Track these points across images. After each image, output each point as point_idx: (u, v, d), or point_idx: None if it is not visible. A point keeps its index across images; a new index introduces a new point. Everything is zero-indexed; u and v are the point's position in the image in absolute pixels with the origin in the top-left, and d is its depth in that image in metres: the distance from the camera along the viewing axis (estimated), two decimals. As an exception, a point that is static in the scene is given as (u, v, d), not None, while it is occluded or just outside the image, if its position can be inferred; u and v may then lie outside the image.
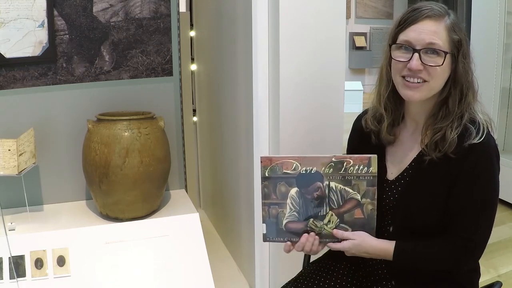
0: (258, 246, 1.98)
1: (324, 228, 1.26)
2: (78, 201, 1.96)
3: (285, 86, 1.74)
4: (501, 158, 1.22)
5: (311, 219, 1.26)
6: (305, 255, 1.55)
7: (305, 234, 1.26)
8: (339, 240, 1.25)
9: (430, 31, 1.14)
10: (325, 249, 1.31)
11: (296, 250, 1.28)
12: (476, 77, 1.21)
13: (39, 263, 1.56)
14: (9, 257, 1.54)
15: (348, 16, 7.22)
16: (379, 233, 1.27)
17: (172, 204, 1.95)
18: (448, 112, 1.20)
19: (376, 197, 1.24)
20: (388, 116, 1.29)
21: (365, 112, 1.38)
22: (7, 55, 1.75)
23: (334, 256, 1.40)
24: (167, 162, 1.83)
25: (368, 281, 1.36)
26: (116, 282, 1.58)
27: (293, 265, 1.60)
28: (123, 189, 1.70)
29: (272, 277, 1.98)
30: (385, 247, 1.22)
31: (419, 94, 1.18)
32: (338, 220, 1.26)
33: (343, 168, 1.24)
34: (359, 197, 1.24)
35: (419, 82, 1.17)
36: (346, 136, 1.51)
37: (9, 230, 1.65)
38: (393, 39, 1.21)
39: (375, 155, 1.24)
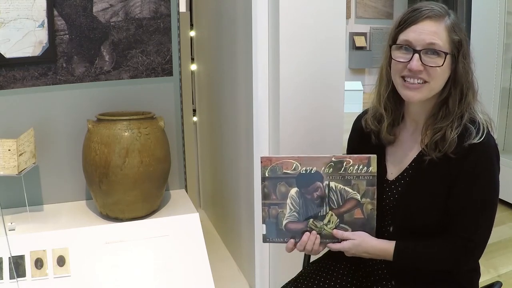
0: (258, 246, 1.98)
1: (324, 229, 1.26)
2: (78, 201, 1.96)
3: (285, 86, 1.74)
4: (501, 158, 1.22)
5: (311, 219, 1.26)
6: (305, 255, 1.55)
7: (307, 233, 1.26)
8: (339, 240, 1.25)
9: (430, 32, 1.14)
10: (325, 249, 1.31)
11: (297, 250, 1.28)
12: (476, 77, 1.21)
13: (39, 263, 1.56)
14: (9, 257, 1.54)
15: (348, 16, 7.22)
16: (379, 233, 1.27)
17: (172, 204, 1.95)
18: (448, 112, 1.20)
19: (375, 197, 1.24)
20: (388, 116, 1.29)
21: (365, 112, 1.38)
22: (7, 55, 1.75)
23: (334, 256, 1.40)
24: (167, 162, 1.83)
25: (368, 281, 1.36)
26: (116, 282, 1.58)
27: (293, 265, 1.60)
28: (123, 189, 1.70)
29: (272, 277, 1.98)
30: (385, 247, 1.22)
31: (419, 95, 1.18)
32: (338, 220, 1.26)
33: (342, 168, 1.24)
34: (359, 197, 1.24)
35: (419, 83, 1.17)
36: (346, 136, 1.51)
37: (9, 230, 1.65)
38: (393, 40, 1.21)
39: (375, 155, 1.24)
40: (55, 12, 1.78)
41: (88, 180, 1.77)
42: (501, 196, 1.39)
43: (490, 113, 1.25)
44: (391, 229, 1.28)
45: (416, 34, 1.15)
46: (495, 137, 1.21)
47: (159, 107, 1.93)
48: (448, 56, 1.15)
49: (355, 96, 6.69)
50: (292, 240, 1.27)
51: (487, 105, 1.41)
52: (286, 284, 1.40)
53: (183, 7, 2.82)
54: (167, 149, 1.83)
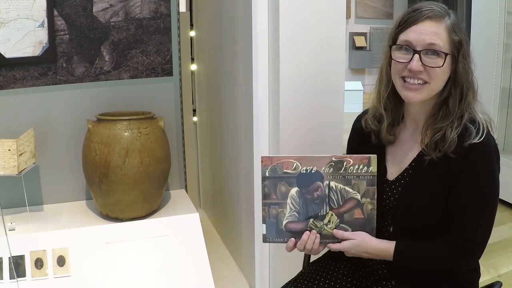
0: (258, 246, 1.98)
1: (324, 228, 1.26)
2: (78, 201, 1.96)
3: (285, 86, 1.74)
4: (501, 158, 1.22)
5: (311, 219, 1.26)
6: (305, 255, 1.55)
7: (307, 232, 1.26)
8: (339, 240, 1.25)
9: (431, 32, 1.14)
10: (325, 249, 1.31)
11: (297, 249, 1.28)
12: (476, 77, 1.21)
13: (39, 263, 1.56)
14: (9, 257, 1.54)
15: (348, 16, 7.22)
16: (379, 233, 1.27)
17: (172, 204, 1.95)
18: (448, 112, 1.20)
19: (376, 196, 1.24)
20: (388, 116, 1.29)
21: (365, 112, 1.38)
22: (7, 55, 1.75)
23: (334, 256, 1.40)
24: (167, 162, 1.83)
25: (368, 281, 1.36)
26: (116, 282, 1.58)
27: (293, 265, 1.60)
28: (123, 189, 1.70)
29: (272, 277, 1.98)
30: (385, 247, 1.22)
31: (419, 96, 1.18)
32: (338, 220, 1.26)
33: (343, 168, 1.24)
34: (359, 196, 1.24)
35: (420, 84, 1.17)
36: (346, 136, 1.51)
37: (9, 230, 1.65)
38: (393, 40, 1.20)
39: (375, 155, 1.24)
40: (55, 12, 1.78)
41: (88, 180, 1.77)
42: (501, 196, 1.39)
43: (490, 113, 1.25)
44: (391, 229, 1.28)
45: (416, 35, 1.15)
46: (495, 137, 1.21)
47: (159, 107, 1.93)
48: (448, 57, 1.15)
49: (355, 96, 6.69)
50: (292, 239, 1.27)
51: (487, 105, 1.40)
52: (286, 284, 1.40)
53: (183, 7, 2.82)
54: (167, 149, 1.82)
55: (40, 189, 1.90)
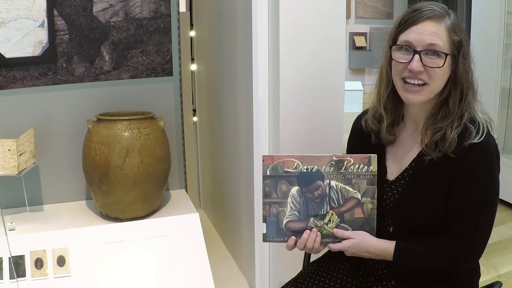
0: (258, 246, 1.98)
1: (324, 228, 1.26)
2: (78, 201, 1.96)
3: (285, 86, 1.74)
4: (501, 158, 1.22)
5: (312, 218, 1.26)
6: (305, 255, 1.55)
7: (307, 231, 1.26)
8: (339, 239, 1.25)
9: (431, 32, 1.14)
10: (325, 249, 1.31)
11: (297, 248, 1.27)
12: (476, 77, 1.21)
13: (39, 263, 1.56)
14: (9, 257, 1.54)
15: (348, 16, 7.22)
16: (379, 234, 1.27)
17: (172, 204, 1.95)
18: (448, 112, 1.20)
19: (376, 196, 1.25)
20: (388, 116, 1.29)
21: (364, 112, 1.38)
22: (7, 55, 1.75)
23: (334, 256, 1.40)
24: (167, 162, 1.83)
25: (368, 281, 1.36)
26: (116, 282, 1.58)
27: (293, 265, 1.60)
28: (123, 189, 1.70)
29: (272, 277, 1.98)
30: (385, 246, 1.22)
31: (419, 98, 1.18)
32: (339, 219, 1.26)
33: (343, 167, 1.25)
34: (359, 196, 1.25)
35: (420, 85, 1.17)
36: (346, 136, 1.51)
37: (9, 230, 1.65)
38: (394, 40, 1.21)
39: (375, 155, 1.25)
40: (55, 12, 1.78)
41: (88, 180, 1.77)
42: (501, 196, 1.39)
43: (490, 113, 1.25)
44: (391, 229, 1.28)
45: (416, 35, 1.15)
46: (495, 137, 1.21)
47: (159, 107, 1.93)
48: (448, 57, 1.15)
49: (355, 96, 6.69)
50: (293, 238, 1.26)
51: (487, 105, 1.41)
52: (286, 284, 1.40)
53: (183, 7, 2.82)
54: (167, 149, 1.83)
55: (40, 189, 1.90)
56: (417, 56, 1.15)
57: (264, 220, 1.28)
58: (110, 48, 1.88)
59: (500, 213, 3.11)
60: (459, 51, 1.17)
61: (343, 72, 1.82)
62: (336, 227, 1.26)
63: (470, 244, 1.17)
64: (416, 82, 1.17)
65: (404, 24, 1.18)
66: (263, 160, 1.27)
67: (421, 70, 1.15)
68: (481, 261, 1.27)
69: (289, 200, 1.26)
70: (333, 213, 1.26)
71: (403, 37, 1.18)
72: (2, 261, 1.54)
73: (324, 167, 1.25)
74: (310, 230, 1.26)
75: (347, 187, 1.25)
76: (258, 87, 1.82)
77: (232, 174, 2.37)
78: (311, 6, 1.71)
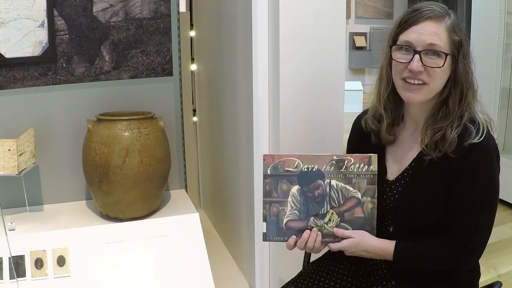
0: (258, 246, 1.98)
1: (324, 227, 1.26)
2: (78, 201, 1.96)
3: (285, 86, 1.74)
4: (501, 158, 1.22)
5: (312, 218, 1.26)
6: (305, 255, 1.55)
7: (307, 231, 1.26)
8: (339, 239, 1.25)
9: (431, 32, 1.14)
10: (325, 249, 1.31)
11: (298, 247, 1.27)
12: (476, 77, 1.21)
13: (39, 263, 1.56)
14: (9, 257, 1.54)
15: (348, 16, 7.22)
16: (379, 234, 1.27)
17: (172, 204, 1.95)
18: (448, 112, 1.20)
19: (376, 195, 1.25)
20: (388, 116, 1.29)
21: (364, 112, 1.39)
22: (7, 55, 1.75)
23: (334, 256, 1.40)
24: (167, 162, 1.83)
25: (368, 281, 1.36)
26: (116, 282, 1.58)
27: (293, 265, 1.60)
28: (123, 189, 1.70)
29: (272, 277, 1.98)
30: (385, 246, 1.22)
31: (419, 96, 1.18)
32: (339, 219, 1.26)
33: (344, 167, 1.25)
34: (359, 195, 1.25)
35: (419, 84, 1.17)
36: (346, 136, 1.51)
37: (9, 230, 1.65)
38: (394, 40, 1.21)
39: (376, 154, 1.25)
40: (55, 12, 1.78)
41: (88, 180, 1.77)
42: (501, 196, 1.39)
43: (490, 113, 1.25)
44: (391, 229, 1.28)
45: (416, 35, 1.15)
46: (495, 137, 1.21)
47: (159, 107, 1.93)
48: (448, 57, 1.15)
49: (355, 96, 6.69)
50: (293, 237, 1.26)
51: (487, 105, 1.41)
52: (286, 284, 1.40)
53: (183, 7, 2.82)
54: (167, 149, 1.83)
55: (40, 189, 1.89)
56: (417, 56, 1.15)
57: (264, 219, 1.28)
58: (110, 48, 1.88)
59: (500, 213, 3.11)
60: (459, 51, 1.17)
61: (343, 72, 1.82)
62: (336, 227, 1.26)
63: (470, 244, 1.17)
64: (416, 82, 1.17)
65: (404, 24, 1.18)
66: (264, 159, 1.27)
67: (421, 70, 1.15)
68: (481, 261, 1.27)
69: (289, 199, 1.27)
70: (333, 212, 1.26)
71: (403, 37, 1.18)
72: (2, 261, 1.54)
73: (324, 167, 1.25)
74: (310, 229, 1.26)
75: (347, 186, 1.25)
76: (258, 87, 1.82)
77: (232, 174, 2.37)
78: (311, 6, 1.71)
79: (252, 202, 1.96)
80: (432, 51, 1.14)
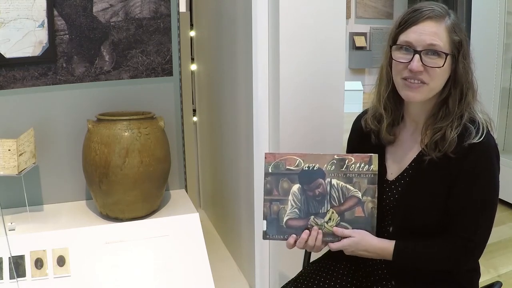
0: (258, 246, 1.98)
1: (324, 226, 1.26)
2: (78, 201, 1.96)
3: (285, 86, 1.74)
4: (501, 158, 1.22)
5: (312, 217, 1.26)
6: (305, 255, 1.55)
7: (306, 231, 1.26)
8: (339, 238, 1.25)
9: (431, 32, 1.14)
10: (325, 249, 1.31)
11: (297, 247, 1.27)
12: (476, 77, 1.21)
13: (39, 263, 1.56)
14: (9, 257, 1.54)
15: (348, 16, 7.22)
16: (379, 234, 1.27)
17: (172, 204, 1.95)
18: (448, 112, 1.20)
19: (376, 195, 1.25)
20: (388, 116, 1.29)
21: (364, 112, 1.39)
22: (7, 55, 1.75)
23: (334, 256, 1.40)
24: (167, 162, 1.83)
25: (368, 281, 1.36)
26: (116, 282, 1.58)
27: (293, 265, 1.60)
28: (123, 189, 1.70)
29: (272, 277, 1.98)
30: (385, 246, 1.22)
31: (419, 95, 1.18)
32: (339, 218, 1.26)
33: (344, 166, 1.25)
34: (360, 194, 1.25)
35: (419, 83, 1.17)
36: (346, 136, 1.51)
37: (9, 230, 1.65)
38: (394, 40, 1.21)
39: (376, 154, 1.25)
40: (55, 12, 1.78)
41: (88, 180, 1.77)
42: (501, 196, 1.39)
43: (490, 113, 1.25)
44: (391, 229, 1.28)
45: (416, 35, 1.15)
46: (495, 137, 1.21)
47: (159, 107, 1.93)
48: (448, 57, 1.15)
49: (355, 96, 6.69)
50: (294, 236, 1.26)
51: (487, 105, 1.41)
52: (286, 284, 1.40)
53: (183, 7, 2.82)
54: (167, 149, 1.83)
55: (40, 189, 1.90)
56: (417, 56, 1.15)
57: (265, 218, 1.28)
58: (110, 48, 1.88)
59: (500, 213, 3.11)
60: (459, 51, 1.17)
61: (343, 72, 1.82)
62: (336, 226, 1.26)
63: (470, 244, 1.17)
64: (416, 82, 1.17)
65: (404, 24, 1.18)
66: (265, 158, 1.27)
67: (421, 70, 1.15)
68: (481, 261, 1.27)
69: (290, 197, 1.27)
70: (334, 211, 1.26)
71: (403, 37, 1.18)
72: (2, 261, 1.54)
73: (325, 166, 1.25)
74: (311, 228, 1.26)
75: (348, 185, 1.25)
76: (258, 87, 1.82)
77: (232, 174, 2.37)
78: (311, 6, 1.71)
79: (252, 202, 1.96)
80: (432, 51, 1.14)
